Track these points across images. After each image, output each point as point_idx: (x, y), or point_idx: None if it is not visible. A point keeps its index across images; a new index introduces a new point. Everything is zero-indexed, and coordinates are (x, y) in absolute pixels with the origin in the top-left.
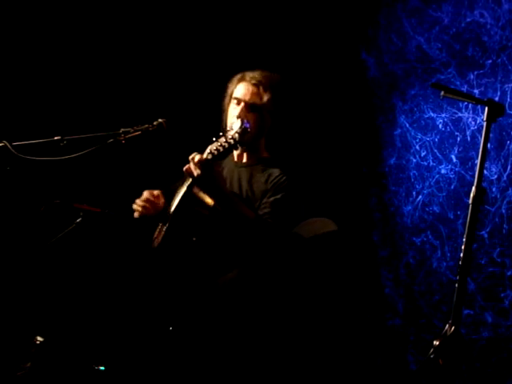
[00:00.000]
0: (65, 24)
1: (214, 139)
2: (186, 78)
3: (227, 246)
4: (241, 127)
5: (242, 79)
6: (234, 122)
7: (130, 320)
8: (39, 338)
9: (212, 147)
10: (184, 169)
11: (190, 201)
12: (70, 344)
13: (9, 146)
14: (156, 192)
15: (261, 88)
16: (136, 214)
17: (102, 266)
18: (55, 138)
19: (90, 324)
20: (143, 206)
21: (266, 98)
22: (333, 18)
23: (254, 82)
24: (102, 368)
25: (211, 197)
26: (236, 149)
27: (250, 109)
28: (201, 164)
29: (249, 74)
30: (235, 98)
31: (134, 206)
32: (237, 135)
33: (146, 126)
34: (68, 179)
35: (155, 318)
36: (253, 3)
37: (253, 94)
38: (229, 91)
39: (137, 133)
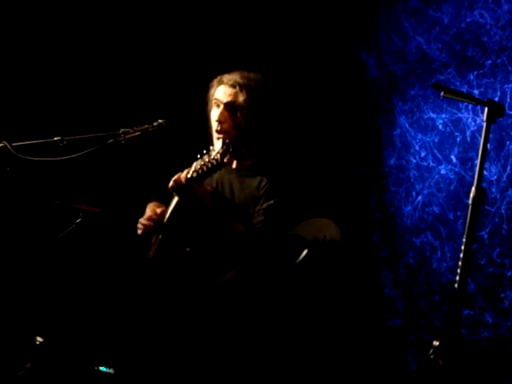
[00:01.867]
0: (65, 24)
1: (199, 156)
2: (186, 79)
3: (222, 254)
4: (222, 147)
5: (220, 82)
6: (216, 142)
7: (129, 320)
8: (39, 338)
9: (196, 165)
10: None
11: (180, 214)
12: (70, 344)
13: (9, 146)
14: (159, 210)
15: (237, 88)
16: (139, 232)
17: (101, 266)
18: (55, 138)
19: (90, 324)
20: (145, 225)
21: (241, 98)
22: (333, 18)
23: (231, 83)
24: (102, 368)
25: (198, 214)
26: (219, 169)
27: (227, 108)
28: (181, 186)
29: (226, 77)
30: (215, 100)
31: (138, 225)
32: (218, 155)
33: (146, 126)
34: (68, 179)
35: (155, 319)
36: (254, 3)
37: (230, 94)
38: (209, 95)
39: (137, 133)
